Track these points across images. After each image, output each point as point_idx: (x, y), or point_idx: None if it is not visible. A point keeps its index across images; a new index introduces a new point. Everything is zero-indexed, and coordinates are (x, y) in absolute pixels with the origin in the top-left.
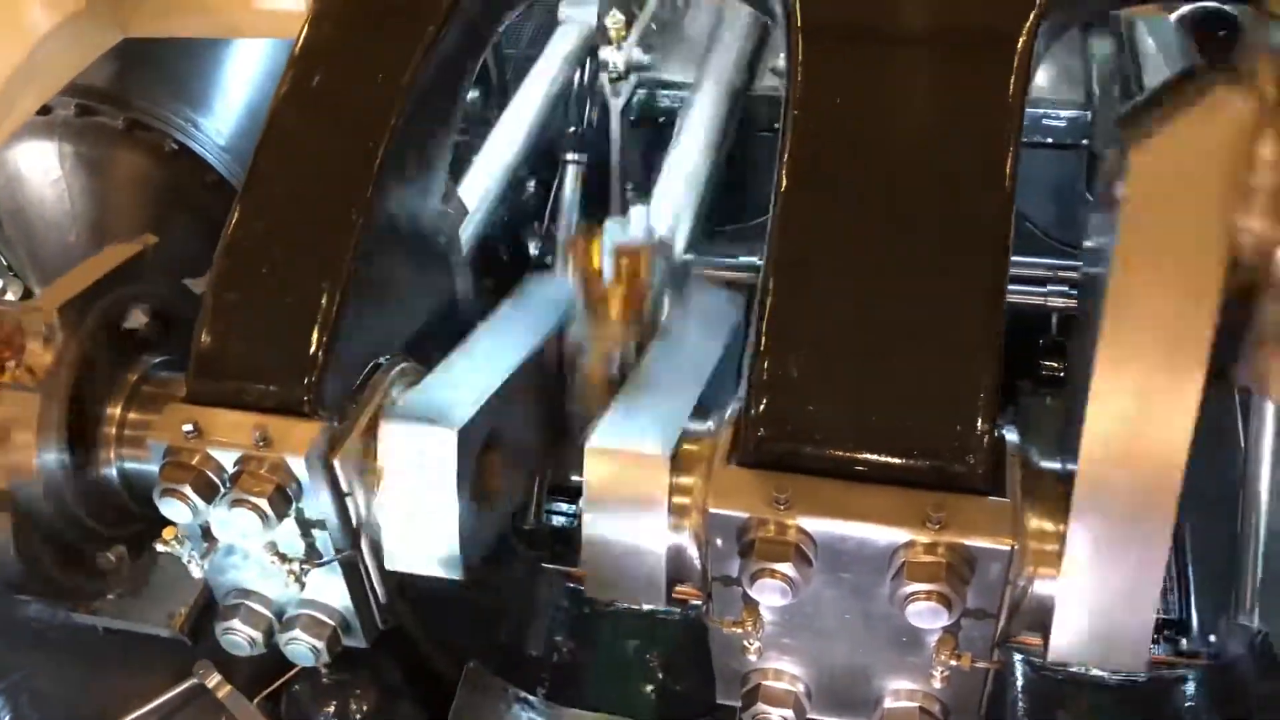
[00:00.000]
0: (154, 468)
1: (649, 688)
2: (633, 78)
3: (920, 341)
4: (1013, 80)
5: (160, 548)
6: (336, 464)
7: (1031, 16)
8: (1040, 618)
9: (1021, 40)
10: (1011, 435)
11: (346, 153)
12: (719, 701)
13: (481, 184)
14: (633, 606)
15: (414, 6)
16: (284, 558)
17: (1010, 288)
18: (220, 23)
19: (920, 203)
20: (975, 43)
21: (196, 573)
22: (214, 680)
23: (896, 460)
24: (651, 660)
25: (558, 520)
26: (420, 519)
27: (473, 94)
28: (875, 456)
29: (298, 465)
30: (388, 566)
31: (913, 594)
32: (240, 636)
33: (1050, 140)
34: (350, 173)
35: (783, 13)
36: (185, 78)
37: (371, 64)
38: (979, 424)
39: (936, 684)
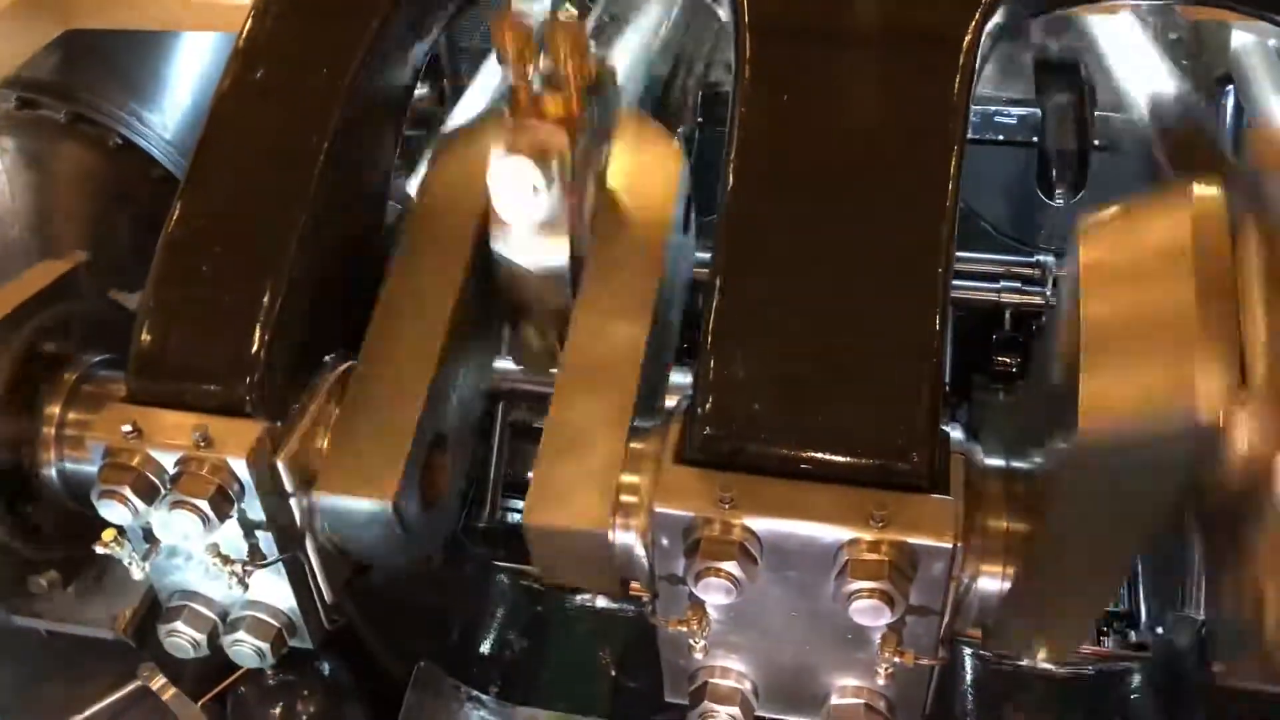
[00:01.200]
0: (93, 469)
1: (601, 685)
2: None
3: (864, 341)
4: (958, 79)
5: (100, 550)
6: (279, 464)
7: (977, 15)
8: (985, 614)
9: (967, 39)
10: (956, 433)
11: (289, 149)
12: (668, 699)
13: None
14: (586, 604)
15: (358, 1)
16: (226, 559)
17: (963, 284)
18: (164, 15)
19: (865, 202)
20: (921, 42)
21: (138, 575)
22: (159, 683)
23: (840, 459)
24: (604, 658)
25: (514, 518)
26: None
27: (424, 89)
28: (819, 455)
29: (239, 466)
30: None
31: (856, 592)
32: (184, 639)
33: (1002, 138)
34: (293, 169)
35: (731, 9)
36: (130, 71)
37: (315, 59)
38: (922, 422)
39: (881, 680)
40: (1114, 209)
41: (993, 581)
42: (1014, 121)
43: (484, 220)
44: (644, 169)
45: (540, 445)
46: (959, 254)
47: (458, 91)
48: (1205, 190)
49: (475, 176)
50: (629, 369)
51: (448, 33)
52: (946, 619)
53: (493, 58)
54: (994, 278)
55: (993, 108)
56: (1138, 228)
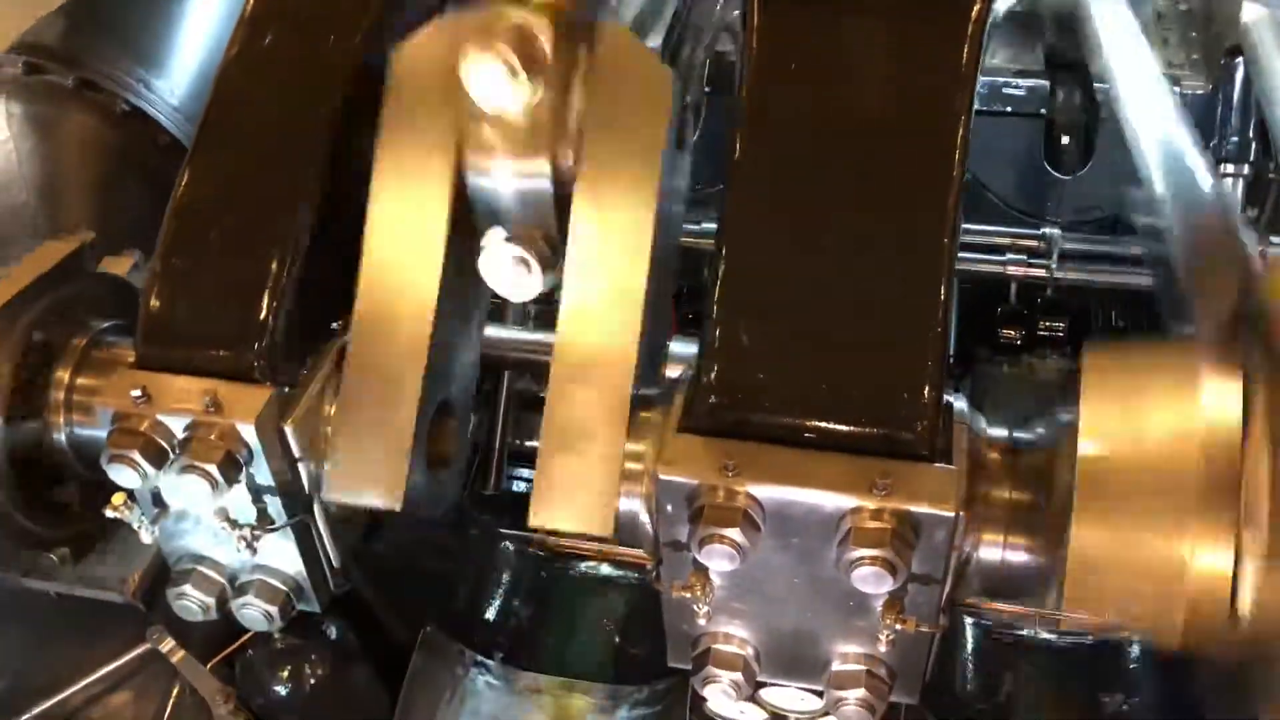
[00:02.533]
0: (103, 434)
1: (605, 651)
2: None
3: (870, 310)
4: (967, 49)
5: (110, 513)
6: (288, 430)
7: None
8: (987, 582)
9: (976, 8)
10: (960, 403)
11: (298, 115)
12: (671, 665)
13: None
14: (590, 571)
15: None
16: (235, 523)
17: (969, 256)
18: None
19: (873, 171)
20: (930, 11)
21: (147, 538)
22: (168, 645)
23: (844, 428)
24: (608, 624)
25: (519, 486)
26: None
27: None
28: (824, 424)
29: (248, 431)
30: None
31: (858, 559)
32: (193, 602)
33: (1010, 109)
34: (302, 135)
35: None
36: (137, 37)
37: (323, 25)
38: (926, 392)
39: (882, 647)
40: (1120, 354)
41: (994, 551)
42: (1022, 93)
43: (460, 143)
44: (630, 85)
45: (540, 442)
46: (965, 225)
47: None
48: (1219, 393)
49: (449, 77)
50: (623, 355)
51: None
52: (948, 587)
53: None
54: (1000, 250)
55: (1001, 79)
56: (1144, 401)
